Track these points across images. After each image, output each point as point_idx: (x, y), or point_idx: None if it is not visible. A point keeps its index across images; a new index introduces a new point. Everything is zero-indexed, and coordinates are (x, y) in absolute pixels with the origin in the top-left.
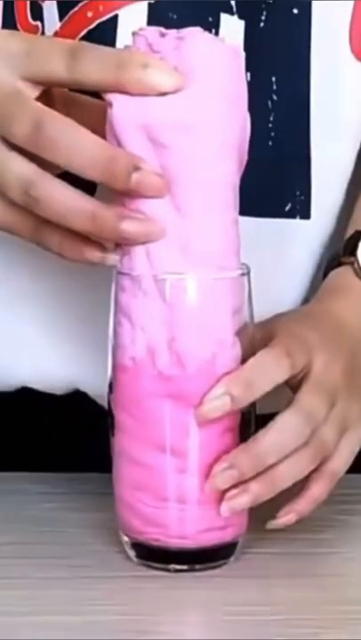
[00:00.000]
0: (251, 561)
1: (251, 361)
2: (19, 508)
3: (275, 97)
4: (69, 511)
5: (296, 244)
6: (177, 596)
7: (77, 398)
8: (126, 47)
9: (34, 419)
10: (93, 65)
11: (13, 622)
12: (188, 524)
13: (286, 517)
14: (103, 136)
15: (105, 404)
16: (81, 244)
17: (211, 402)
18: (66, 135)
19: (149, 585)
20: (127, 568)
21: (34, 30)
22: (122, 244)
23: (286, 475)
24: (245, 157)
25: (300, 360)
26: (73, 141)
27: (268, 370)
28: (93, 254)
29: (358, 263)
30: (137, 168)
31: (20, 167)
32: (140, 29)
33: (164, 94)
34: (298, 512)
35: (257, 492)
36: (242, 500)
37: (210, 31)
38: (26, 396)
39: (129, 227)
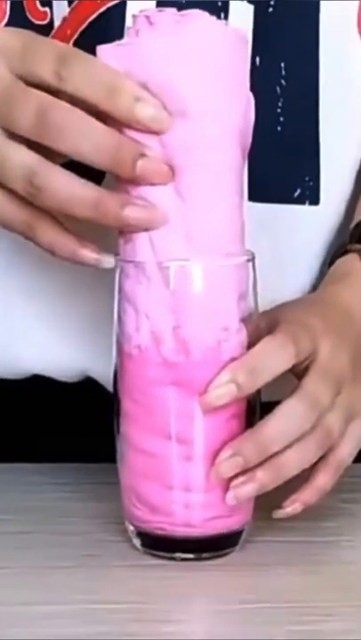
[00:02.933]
0: (257, 549)
1: (256, 348)
2: (24, 499)
3: (283, 82)
4: (74, 501)
5: (305, 230)
6: (183, 585)
7: (89, 388)
8: (126, 29)
9: (45, 408)
10: (84, 82)
11: (18, 611)
12: (193, 513)
13: (292, 507)
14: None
15: None
16: (74, 245)
17: (216, 389)
18: (72, 122)
19: (155, 574)
20: (133, 557)
21: (42, 16)
22: (125, 232)
23: (292, 462)
24: (249, 142)
25: (306, 347)
26: (80, 128)
27: (274, 357)
28: (87, 256)
29: None
30: (142, 155)
31: (23, 156)
32: (141, 10)
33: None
34: (304, 501)
35: (263, 480)
36: (247, 488)
37: (218, 15)
38: (37, 384)
39: (132, 213)
